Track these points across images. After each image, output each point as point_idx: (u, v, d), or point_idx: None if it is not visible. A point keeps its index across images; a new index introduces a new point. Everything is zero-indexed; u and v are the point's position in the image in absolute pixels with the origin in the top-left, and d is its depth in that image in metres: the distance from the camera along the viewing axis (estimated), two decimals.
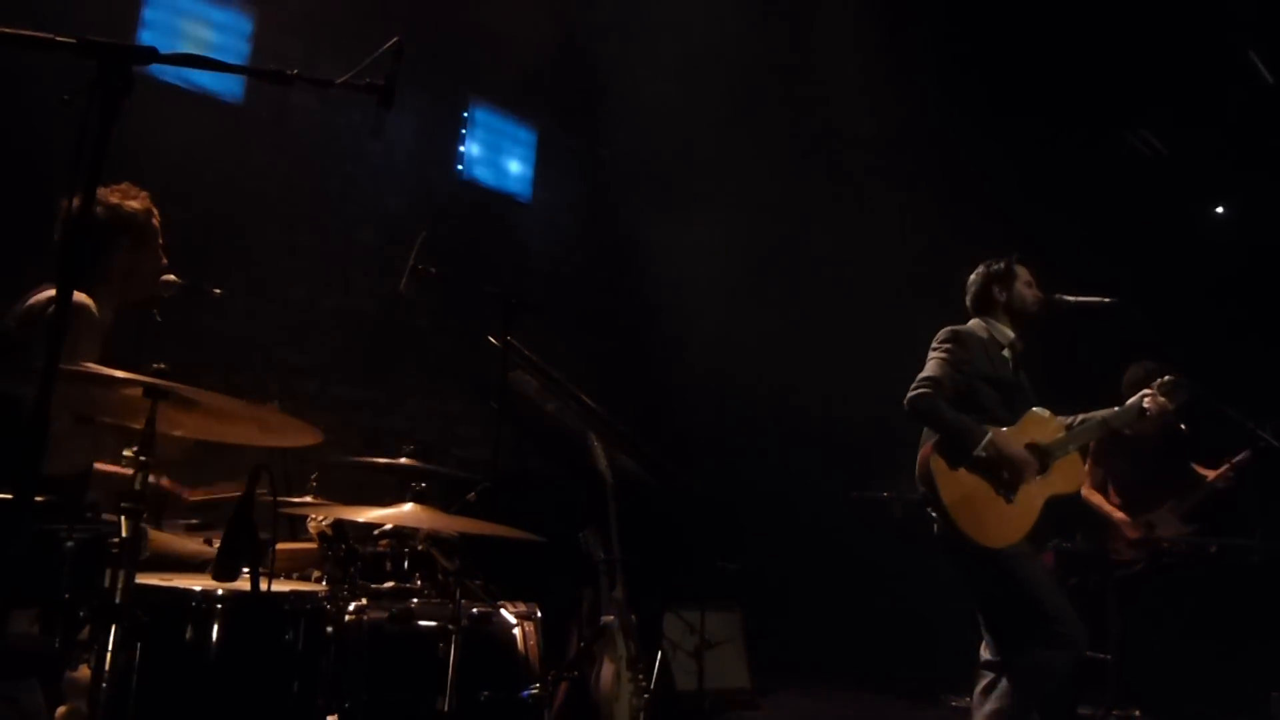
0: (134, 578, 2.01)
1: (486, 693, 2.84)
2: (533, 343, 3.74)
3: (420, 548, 3.25)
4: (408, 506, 2.63)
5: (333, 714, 2.53)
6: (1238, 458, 4.96)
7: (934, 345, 3.77)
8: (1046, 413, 3.77)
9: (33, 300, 2.84)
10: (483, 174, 6.85)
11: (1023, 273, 3.89)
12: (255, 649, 2.32)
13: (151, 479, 2.27)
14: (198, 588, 2.28)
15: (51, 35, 1.63)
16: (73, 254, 1.77)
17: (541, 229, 7.17)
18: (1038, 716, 3.58)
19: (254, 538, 2.19)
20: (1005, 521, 3.54)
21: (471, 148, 6.75)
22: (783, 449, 6.89)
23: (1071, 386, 4.16)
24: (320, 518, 3.03)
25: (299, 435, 2.33)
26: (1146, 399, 3.82)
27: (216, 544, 2.25)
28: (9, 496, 1.54)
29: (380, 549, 3.23)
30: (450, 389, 6.24)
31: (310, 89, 1.87)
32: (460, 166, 6.66)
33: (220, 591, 2.25)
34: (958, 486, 3.54)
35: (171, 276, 3.13)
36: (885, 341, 4.04)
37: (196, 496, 3.49)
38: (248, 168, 5.39)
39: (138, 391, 2.08)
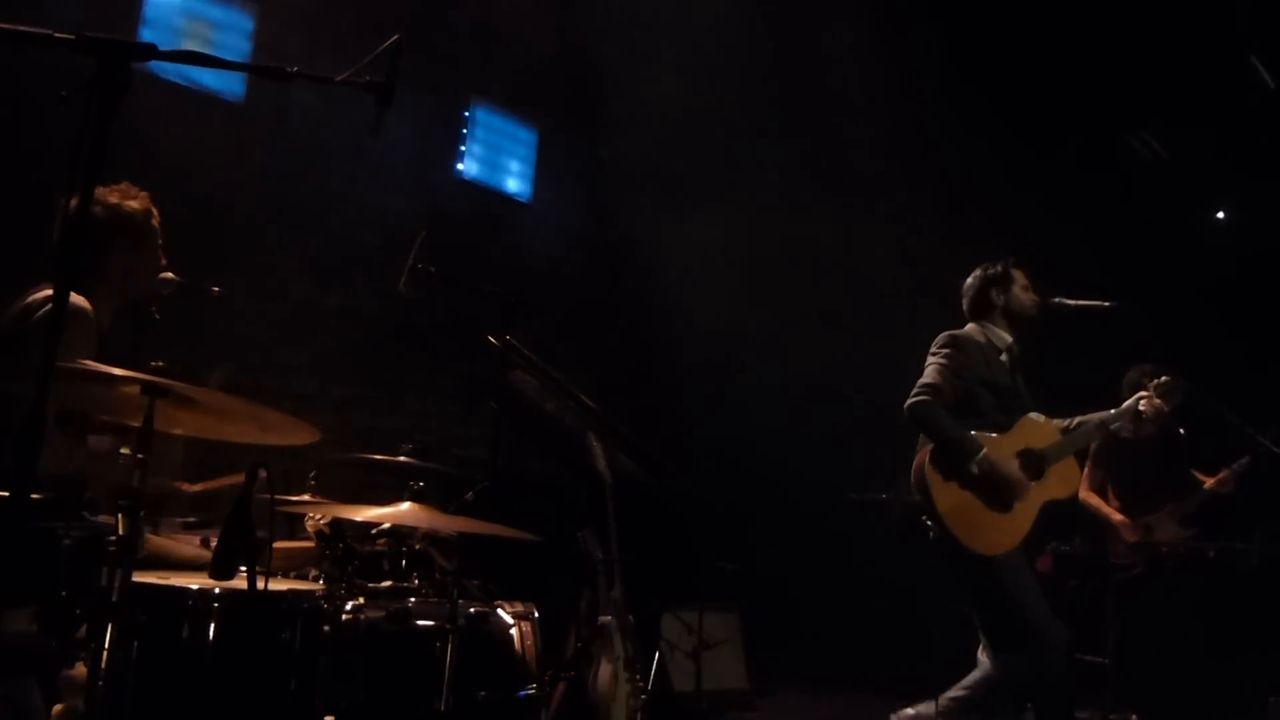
0: (131, 576, 2.01)
1: (483, 693, 2.84)
2: (532, 342, 3.74)
3: (418, 547, 3.24)
4: (405, 506, 2.63)
5: (330, 713, 2.52)
6: (1237, 464, 4.95)
7: (933, 350, 3.77)
8: (1042, 418, 3.77)
9: (30, 299, 2.84)
10: (483, 174, 6.85)
11: (1019, 277, 3.90)
12: (252, 648, 2.32)
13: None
14: (195, 586, 2.28)
15: (50, 31, 1.62)
16: (71, 253, 1.77)
17: (541, 229, 7.17)
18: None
19: (251, 536, 2.19)
20: (999, 529, 3.56)
21: (472, 147, 6.74)
22: (782, 449, 6.88)
23: (1071, 389, 4.16)
24: (318, 516, 3.03)
25: (297, 434, 2.33)
26: (1142, 401, 3.83)
27: (214, 545, 2.25)
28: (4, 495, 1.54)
29: (378, 548, 3.22)
30: (450, 388, 6.24)
31: (311, 87, 1.87)
32: (460, 166, 6.66)
33: (217, 590, 2.25)
34: (952, 494, 3.55)
35: (170, 275, 3.12)
36: (885, 342, 4.05)
37: (196, 488, 3.47)
38: (248, 166, 5.38)
39: (136, 389, 2.07)
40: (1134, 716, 4.89)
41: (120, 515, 2.00)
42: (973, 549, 3.51)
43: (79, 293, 2.74)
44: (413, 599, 2.93)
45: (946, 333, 3.82)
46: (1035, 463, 3.66)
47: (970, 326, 3.89)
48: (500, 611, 3.06)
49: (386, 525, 3.13)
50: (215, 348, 4.91)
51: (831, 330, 6.98)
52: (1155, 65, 6.31)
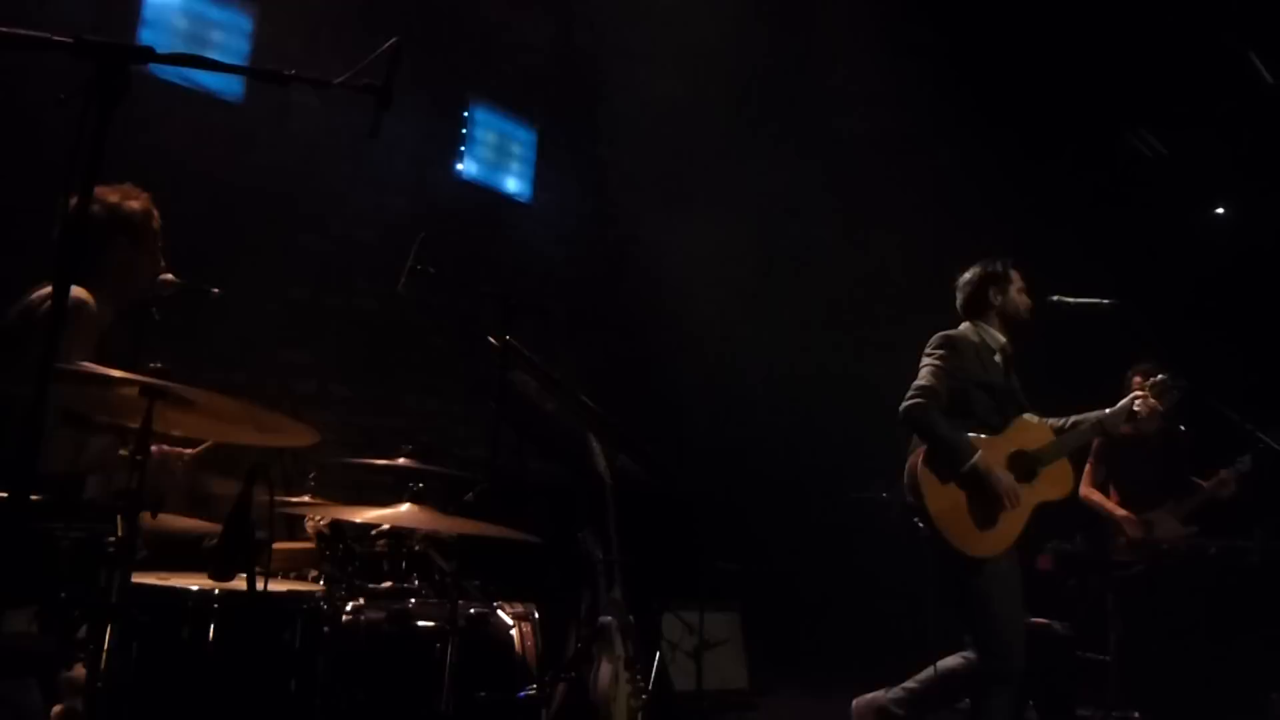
0: (130, 577, 2.01)
1: (484, 693, 2.84)
2: (532, 343, 3.73)
3: (418, 548, 3.25)
4: (405, 507, 2.63)
5: (329, 714, 2.52)
6: (1237, 464, 4.95)
7: (927, 351, 3.77)
8: (1035, 418, 3.77)
9: (32, 297, 2.84)
10: (482, 174, 6.84)
11: (1016, 278, 3.89)
12: (252, 649, 2.32)
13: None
14: (194, 587, 2.28)
15: (48, 34, 1.62)
16: (69, 252, 1.77)
17: (541, 229, 7.16)
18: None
19: (251, 537, 2.19)
20: (991, 532, 3.56)
21: (471, 147, 6.74)
22: (782, 449, 6.89)
23: (1071, 388, 4.16)
24: (318, 517, 3.03)
25: (297, 435, 2.33)
26: (1137, 401, 3.82)
27: (215, 533, 2.25)
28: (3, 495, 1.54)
29: (378, 549, 3.22)
30: (449, 389, 6.24)
31: (310, 88, 1.86)
32: (460, 166, 6.65)
33: (217, 591, 2.25)
34: (945, 496, 3.56)
35: (170, 276, 3.12)
36: (885, 343, 4.05)
37: (194, 452, 3.40)
38: (248, 166, 5.38)
39: (135, 390, 2.08)
40: (1136, 714, 4.89)
41: (119, 516, 2.01)
42: (963, 551, 3.52)
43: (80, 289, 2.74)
44: (413, 600, 2.94)
45: (940, 333, 3.81)
46: (1028, 464, 3.66)
47: (964, 326, 3.89)
48: (500, 612, 3.06)
49: (386, 526, 3.13)
50: (215, 349, 4.91)
51: (831, 330, 6.99)
52: (1155, 63, 6.31)
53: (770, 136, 7.21)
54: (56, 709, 2.27)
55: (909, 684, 3.77)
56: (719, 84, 6.67)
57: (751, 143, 7.16)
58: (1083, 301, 3.91)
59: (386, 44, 1.86)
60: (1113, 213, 6.88)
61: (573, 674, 3.38)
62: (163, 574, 2.48)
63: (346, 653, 2.62)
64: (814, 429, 6.84)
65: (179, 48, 5.09)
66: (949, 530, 3.53)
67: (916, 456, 3.64)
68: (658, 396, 6.78)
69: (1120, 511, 5.11)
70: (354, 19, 5.52)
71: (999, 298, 3.85)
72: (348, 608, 2.74)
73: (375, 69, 1.87)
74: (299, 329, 5.60)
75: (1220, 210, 7.32)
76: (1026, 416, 3.75)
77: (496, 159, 6.95)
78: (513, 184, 7.06)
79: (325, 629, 2.48)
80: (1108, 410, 3.84)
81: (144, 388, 2.06)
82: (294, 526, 3.51)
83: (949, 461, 3.56)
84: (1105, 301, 3.91)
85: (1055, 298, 3.92)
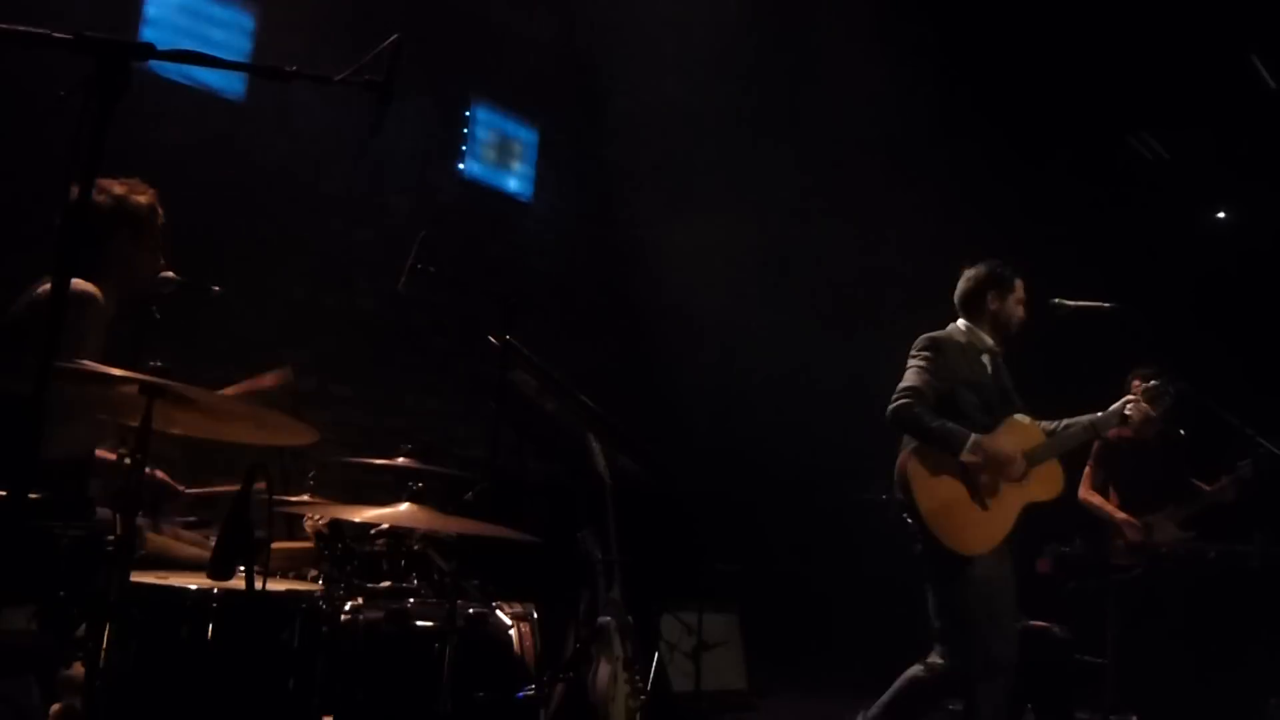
0: (129, 575, 2.01)
1: (482, 693, 2.83)
2: (532, 343, 3.73)
3: (417, 548, 3.25)
4: (404, 506, 2.63)
5: (328, 714, 2.52)
6: (1238, 469, 4.94)
7: (912, 353, 3.78)
8: (1027, 419, 3.77)
9: (37, 291, 2.84)
10: (484, 173, 6.84)
11: (1019, 287, 3.87)
12: (250, 648, 2.32)
13: (146, 471, 2.26)
14: (193, 586, 2.28)
15: (49, 31, 1.62)
16: (70, 245, 1.77)
17: (542, 228, 7.16)
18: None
19: (250, 536, 2.19)
20: (981, 528, 3.57)
21: (473, 146, 6.74)
22: (782, 450, 6.88)
23: (1072, 391, 4.16)
24: (317, 517, 3.03)
25: (296, 434, 2.33)
26: (1129, 405, 3.82)
27: (213, 543, 2.25)
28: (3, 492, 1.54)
29: (377, 549, 3.22)
30: (450, 388, 6.24)
31: (312, 86, 1.86)
32: (461, 165, 6.65)
33: (215, 590, 2.25)
34: (934, 494, 3.57)
35: (170, 274, 3.13)
36: (885, 344, 4.04)
37: (194, 491, 3.48)
38: (249, 164, 5.38)
39: (134, 389, 2.07)
40: (1134, 717, 4.89)
41: (118, 514, 2.00)
42: (952, 548, 3.53)
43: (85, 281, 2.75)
44: (411, 600, 2.94)
45: (925, 335, 3.81)
46: None
47: (952, 326, 3.88)
48: (499, 612, 3.06)
49: (385, 526, 3.13)
50: (215, 347, 4.91)
51: (831, 330, 6.98)
52: (1157, 66, 6.31)
53: (771, 137, 7.21)
54: (55, 707, 2.27)
55: (882, 699, 3.76)
56: (720, 84, 6.67)
57: (753, 143, 7.16)
58: (1083, 305, 3.91)
59: (387, 41, 1.86)
60: (1113, 215, 6.88)
61: (571, 674, 3.38)
62: (161, 573, 2.48)
63: (345, 652, 2.62)
64: (814, 430, 6.83)
65: (180, 45, 5.09)
66: (938, 527, 3.54)
67: (905, 455, 3.65)
68: (658, 396, 6.78)
69: (1120, 515, 5.11)
70: (355, 17, 5.52)
71: (995, 303, 3.84)
72: (346, 607, 2.73)
73: (376, 66, 1.87)
74: (299, 327, 5.60)
75: (1221, 214, 7.32)
76: (1017, 417, 3.75)
77: (498, 158, 6.95)
78: (514, 183, 7.06)
79: (324, 628, 2.47)
80: (1100, 414, 3.84)
81: (144, 386, 2.05)
82: (293, 526, 3.51)
83: (946, 450, 3.56)
84: (1105, 305, 3.91)
85: (1055, 300, 3.91)
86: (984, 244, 4.14)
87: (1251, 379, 5.62)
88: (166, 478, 3.30)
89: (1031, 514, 3.70)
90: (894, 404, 3.62)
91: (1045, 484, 3.71)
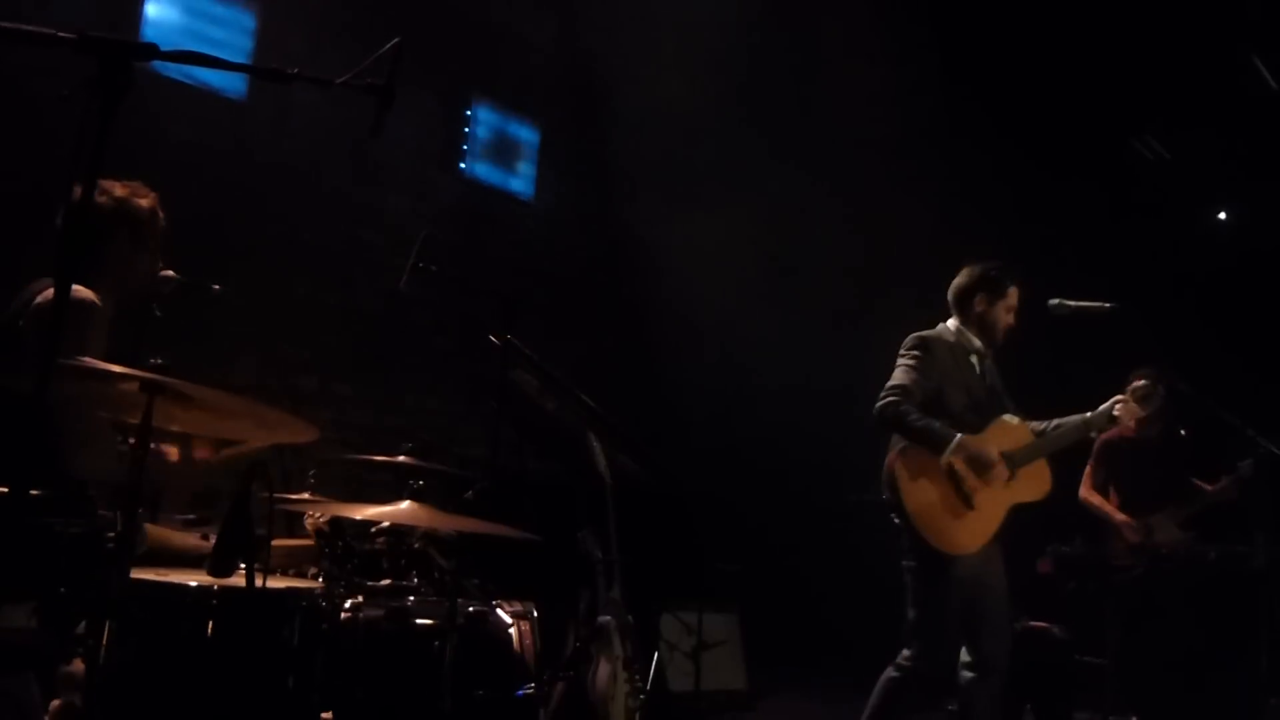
0: (129, 573, 2.01)
1: (482, 692, 2.84)
2: (533, 342, 3.74)
3: (417, 546, 3.25)
4: (405, 504, 2.63)
5: (327, 711, 2.52)
6: (1239, 469, 4.94)
7: (901, 352, 3.78)
8: (1015, 420, 3.76)
9: (40, 300, 2.84)
10: (485, 172, 6.85)
11: (1011, 295, 3.83)
12: (250, 645, 2.32)
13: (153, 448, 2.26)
14: (193, 583, 2.28)
15: (52, 31, 1.63)
16: (70, 245, 1.77)
17: (543, 228, 7.17)
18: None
19: (250, 533, 2.19)
20: (967, 529, 3.58)
21: (474, 146, 6.75)
22: (781, 450, 6.89)
23: (1071, 391, 4.16)
24: (317, 514, 3.03)
25: (296, 431, 2.33)
26: (1118, 405, 3.82)
27: (213, 540, 2.25)
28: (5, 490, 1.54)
29: (377, 547, 3.22)
30: (450, 388, 6.25)
31: (313, 87, 1.87)
32: (463, 165, 6.66)
33: (215, 587, 2.25)
34: (921, 493, 3.57)
35: (171, 273, 3.12)
36: (886, 344, 4.04)
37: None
38: (250, 164, 5.39)
39: (134, 386, 2.08)
40: (1134, 718, 4.89)
41: (119, 511, 2.01)
42: (938, 547, 3.53)
43: (80, 283, 2.75)
44: (412, 598, 2.94)
45: (915, 334, 3.81)
46: (1005, 465, 3.66)
47: (941, 326, 3.88)
48: (499, 611, 3.06)
49: (386, 524, 3.14)
50: (216, 345, 4.92)
51: (831, 331, 6.98)
52: (1159, 67, 6.31)
53: (773, 137, 7.21)
54: (55, 704, 2.27)
55: (865, 713, 3.76)
56: (722, 84, 6.67)
57: (754, 143, 7.16)
58: (1083, 305, 3.90)
59: (389, 44, 1.86)
60: (1114, 216, 6.88)
61: (571, 673, 3.38)
62: (161, 570, 2.48)
63: (345, 650, 2.62)
64: (814, 430, 6.84)
65: (182, 45, 5.10)
66: (925, 527, 3.55)
67: (893, 454, 3.66)
68: (658, 396, 6.79)
69: (1120, 515, 5.11)
70: (356, 16, 5.53)
71: (983, 306, 3.81)
72: (346, 605, 2.73)
73: (378, 68, 1.88)
74: (300, 326, 5.61)
75: (1222, 215, 7.31)
76: (1006, 417, 3.74)
77: (499, 158, 6.95)
78: (515, 183, 7.06)
79: (324, 626, 2.47)
80: (1089, 414, 3.83)
81: (144, 383, 2.06)
82: (293, 523, 3.51)
83: (930, 449, 3.56)
84: (1106, 305, 3.91)
85: (1055, 301, 3.90)
86: (986, 244, 4.14)
87: (1252, 379, 5.62)
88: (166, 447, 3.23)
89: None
90: (881, 402, 3.63)
91: (1032, 485, 3.71)
